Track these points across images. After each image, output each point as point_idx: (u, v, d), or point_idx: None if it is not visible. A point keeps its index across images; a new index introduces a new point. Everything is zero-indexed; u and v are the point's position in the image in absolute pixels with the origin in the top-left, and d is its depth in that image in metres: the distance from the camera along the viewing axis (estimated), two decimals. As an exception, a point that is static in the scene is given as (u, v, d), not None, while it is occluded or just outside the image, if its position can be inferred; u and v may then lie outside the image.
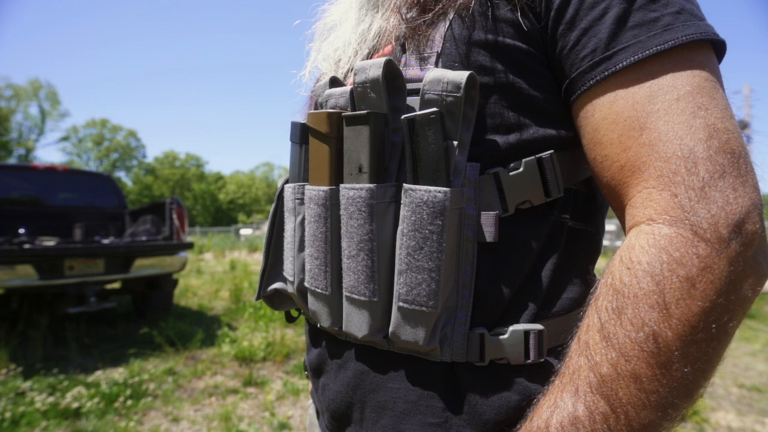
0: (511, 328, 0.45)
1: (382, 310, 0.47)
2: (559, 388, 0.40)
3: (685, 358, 0.35)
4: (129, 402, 2.75)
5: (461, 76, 0.43)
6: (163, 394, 2.93)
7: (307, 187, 0.51)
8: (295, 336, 4.28)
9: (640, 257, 0.38)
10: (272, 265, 0.63)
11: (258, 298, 0.64)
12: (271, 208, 0.63)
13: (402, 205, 0.44)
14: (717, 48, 0.43)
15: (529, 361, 0.45)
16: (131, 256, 4.16)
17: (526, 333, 0.45)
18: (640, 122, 0.40)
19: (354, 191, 0.46)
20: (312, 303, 0.53)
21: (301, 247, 0.54)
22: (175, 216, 4.73)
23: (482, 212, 0.45)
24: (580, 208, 0.51)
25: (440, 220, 0.42)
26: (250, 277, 8.27)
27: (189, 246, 4.75)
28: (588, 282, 0.51)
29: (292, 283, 0.56)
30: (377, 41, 0.55)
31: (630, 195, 0.41)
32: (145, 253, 4.28)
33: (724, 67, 0.44)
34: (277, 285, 0.62)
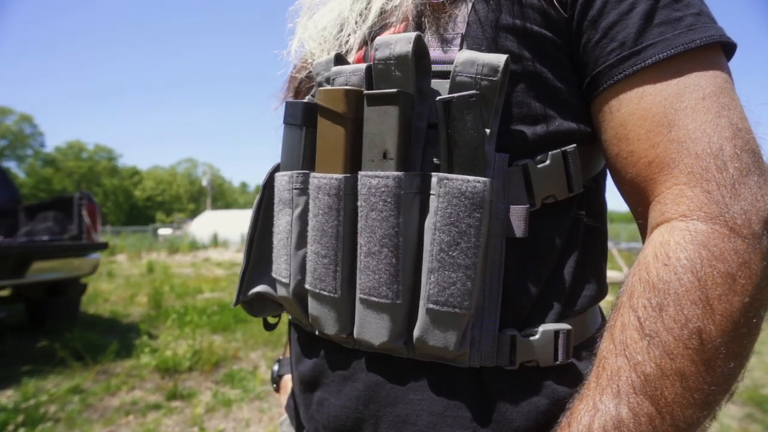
0: (541, 329, 0.43)
1: (404, 313, 0.42)
2: (596, 390, 0.38)
3: (729, 353, 0.36)
4: (21, 430, 2.34)
5: (498, 59, 0.40)
6: (68, 417, 2.55)
7: (313, 174, 0.45)
8: (225, 342, 4.00)
9: (678, 253, 0.37)
10: (254, 266, 0.55)
11: (236, 303, 0.55)
12: (255, 200, 0.55)
13: (434, 197, 0.40)
14: (727, 51, 0.45)
15: (558, 362, 0.43)
16: (27, 258, 3.59)
17: (556, 333, 0.43)
18: (668, 119, 0.40)
19: (378, 179, 0.41)
20: (314, 307, 0.46)
21: (300, 244, 0.47)
22: (85, 213, 4.18)
23: (511, 206, 0.43)
24: (592, 204, 0.51)
25: (479, 213, 0.39)
26: (172, 280, 7.60)
27: (103, 246, 4.23)
28: (601, 280, 0.51)
29: (287, 285, 0.49)
30: (381, 18, 0.50)
31: (657, 192, 0.41)
32: (46, 255, 3.72)
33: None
34: (260, 288, 0.54)
